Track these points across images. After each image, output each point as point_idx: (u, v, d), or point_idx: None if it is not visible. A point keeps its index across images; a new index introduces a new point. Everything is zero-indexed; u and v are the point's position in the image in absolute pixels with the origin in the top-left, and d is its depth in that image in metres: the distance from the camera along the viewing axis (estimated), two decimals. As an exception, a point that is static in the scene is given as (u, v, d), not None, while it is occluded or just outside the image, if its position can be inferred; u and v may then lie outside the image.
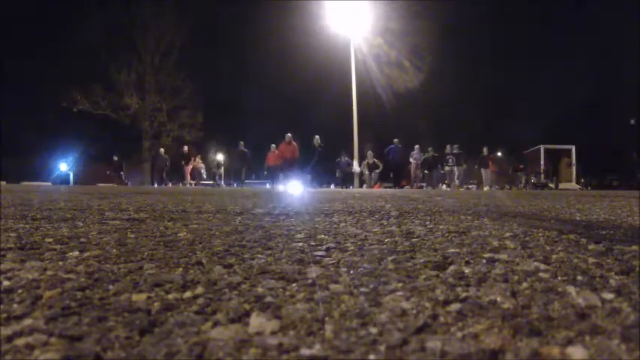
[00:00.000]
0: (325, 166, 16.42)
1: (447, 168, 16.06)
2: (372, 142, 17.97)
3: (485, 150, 16.55)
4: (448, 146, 16.45)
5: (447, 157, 16.11)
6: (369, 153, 16.47)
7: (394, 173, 16.47)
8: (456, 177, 15.95)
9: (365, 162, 16.54)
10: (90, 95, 24.46)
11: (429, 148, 16.57)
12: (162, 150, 18.94)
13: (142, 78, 26.38)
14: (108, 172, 19.34)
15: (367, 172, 16.21)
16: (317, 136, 14.95)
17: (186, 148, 19.08)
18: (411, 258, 0.91)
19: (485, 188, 15.39)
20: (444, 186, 15.15)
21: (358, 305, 0.57)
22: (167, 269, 0.79)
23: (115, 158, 19.45)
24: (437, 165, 16.21)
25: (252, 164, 17.59)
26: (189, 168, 18.44)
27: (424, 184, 16.06)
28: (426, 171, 16.33)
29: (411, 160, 16.13)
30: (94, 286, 0.66)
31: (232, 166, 17.19)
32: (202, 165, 17.76)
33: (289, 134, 15.17)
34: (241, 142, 16.34)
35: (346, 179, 16.78)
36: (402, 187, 15.51)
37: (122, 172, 19.27)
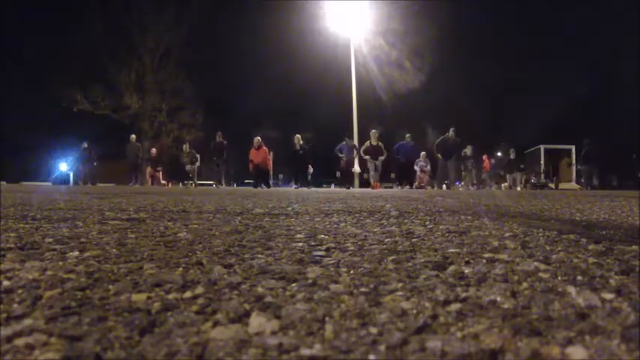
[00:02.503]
0: (320, 166, 15.19)
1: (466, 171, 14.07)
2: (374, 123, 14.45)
3: (512, 152, 15.16)
4: (470, 147, 14.25)
5: (467, 160, 14.04)
6: (373, 132, 12.77)
7: (403, 174, 13.55)
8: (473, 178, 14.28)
9: (367, 144, 12.82)
10: (90, 95, 24.44)
11: (451, 129, 13.10)
12: (133, 137, 15.80)
13: (142, 78, 26.38)
14: (80, 168, 16.21)
15: (368, 157, 12.67)
16: (298, 135, 13.11)
17: (154, 150, 16.96)
18: (411, 258, 0.91)
19: (519, 188, 14.40)
20: (444, 186, 14.47)
21: (358, 305, 0.57)
22: (167, 269, 0.79)
23: (85, 145, 15.57)
24: (456, 152, 13.21)
25: (231, 159, 15.64)
26: (151, 172, 16.39)
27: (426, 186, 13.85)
28: (438, 155, 13.03)
29: (416, 167, 13.82)
30: (94, 286, 0.66)
31: (209, 162, 14.97)
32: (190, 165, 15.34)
33: (258, 137, 13.32)
34: (219, 133, 14.34)
35: (349, 173, 13.50)
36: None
37: (94, 165, 15.70)
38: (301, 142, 13.21)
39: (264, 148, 13.64)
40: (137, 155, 15.42)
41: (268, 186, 14.04)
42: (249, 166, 13.66)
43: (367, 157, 12.74)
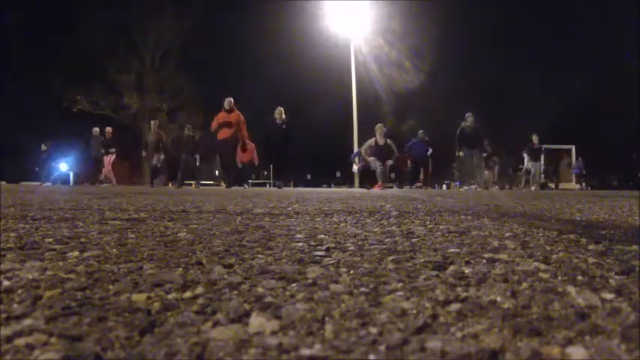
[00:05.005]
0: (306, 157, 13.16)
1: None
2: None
3: (535, 139, 13.58)
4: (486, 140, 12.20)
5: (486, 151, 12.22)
6: (379, 127, 10.28)
7: (414, 173, 12.08)
8: (492, 173, 12.68)
9: (370, 143, 10.35)
10: (90, 95, 24.44)
11: (467, 114, 11.72)
12: (96, 130, 13.92)
13: (142, 78, 26.39)
14: (37, 169, 15.11)
15: (372, 159, 10.20)
16: (280, 108, 10.29)
17: (109, 129, 14.06)
18: (411, 258, 0.91)
19: (533, 188, 13.10)
20: (444, 186, 13.98)
21: (358, 305, 0.57)
22: (167, 269, 0.79)
23: (44, 147, 14.48)
24: (479, 141, 11.73)
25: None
26: (108, 159, 13.91)
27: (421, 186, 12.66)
28: (460, 153, 11.58)
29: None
30: (94, 286, 0.66)
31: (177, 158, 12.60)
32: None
33: (230, 98, 10.19)
34: (188, 126, 12.90)
35: (363, 172, 11.14)
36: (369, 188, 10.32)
37: (49, 162, 14.59)
38: (284, 116, 10.27)
39: (238, 112, 10.22)
40: (99, 151, 13.92)
41: (241, 180, 11.08)
42: (218, 134, 10.13)
43: (371, 158, 10.35)
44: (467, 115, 11.72)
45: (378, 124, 10.46)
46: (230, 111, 10.17)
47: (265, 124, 10.56)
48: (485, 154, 12.30)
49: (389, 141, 10.21)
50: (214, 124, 10.24)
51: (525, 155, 14.41)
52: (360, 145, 13.49)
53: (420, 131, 12.21)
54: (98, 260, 0.86)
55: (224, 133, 10.11)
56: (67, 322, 0.50)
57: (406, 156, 12.10)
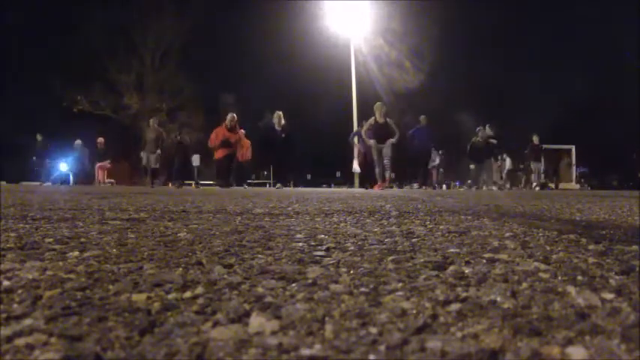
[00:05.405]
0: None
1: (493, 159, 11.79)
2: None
3: (535, 138, 13.29)
4: (487, 127, 11.74)
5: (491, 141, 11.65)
6: (378, 105, 9.41)
7: (416, 163, 11.22)
8: (503, 171, 12.29)
9: (370, 122, 9.47)
10: (90, 95, 24.44)
11: (478, 128, 11.41)
12: (78, 142, 14.12)
13: (142, 78, 26.38)
14: (34, 158, 14.38)
15: (373, 142, 9.20)
16: (279, 112, 9.86)
17: (101, 140, 14.30)
18: (411, 258, 0.91)
19: (534, 185, 12.83)
20: (444, 186, 13.81)
21: (358, 305, 0.57)
22: (167, 269, 0.79)
23: (39, 138, 14.07)
24: (489, 152, 11.42)
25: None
26: (101, 166, 14.13)
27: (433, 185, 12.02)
28: (471, 166, 11.73)
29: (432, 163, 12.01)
30: (94, 286, 0.66)
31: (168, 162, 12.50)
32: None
33: (233, 114, 10.01)
34: (178, 135, 12.84)
35: (367, 167, 10.15)
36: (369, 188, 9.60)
37: (47, 161, 14.17)
38: (283, 121, 9.86)
39: (240, 132, 10.11)
40: (84, 162, 14.18)
41: (241, 180, 11.04)
42: (215, 152, 10.01)
43: (371, 141, 9.27)
44: (478, 129, 11.66)
45: (378, 103, 9.70)
46: (232, 129, 9.85)
47: (263, 128, 10.19)
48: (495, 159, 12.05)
49: (389, 120, 9.43)
50: (213, 140, 9.94)
51: (506, 157, 14.38)
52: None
53: (422, 116, 11.22)
54: (98, 260, 0.86)
55: (222, 152, 9.89)
56: (67, 322, 0.50)
57: (408, 141, 11.23)
